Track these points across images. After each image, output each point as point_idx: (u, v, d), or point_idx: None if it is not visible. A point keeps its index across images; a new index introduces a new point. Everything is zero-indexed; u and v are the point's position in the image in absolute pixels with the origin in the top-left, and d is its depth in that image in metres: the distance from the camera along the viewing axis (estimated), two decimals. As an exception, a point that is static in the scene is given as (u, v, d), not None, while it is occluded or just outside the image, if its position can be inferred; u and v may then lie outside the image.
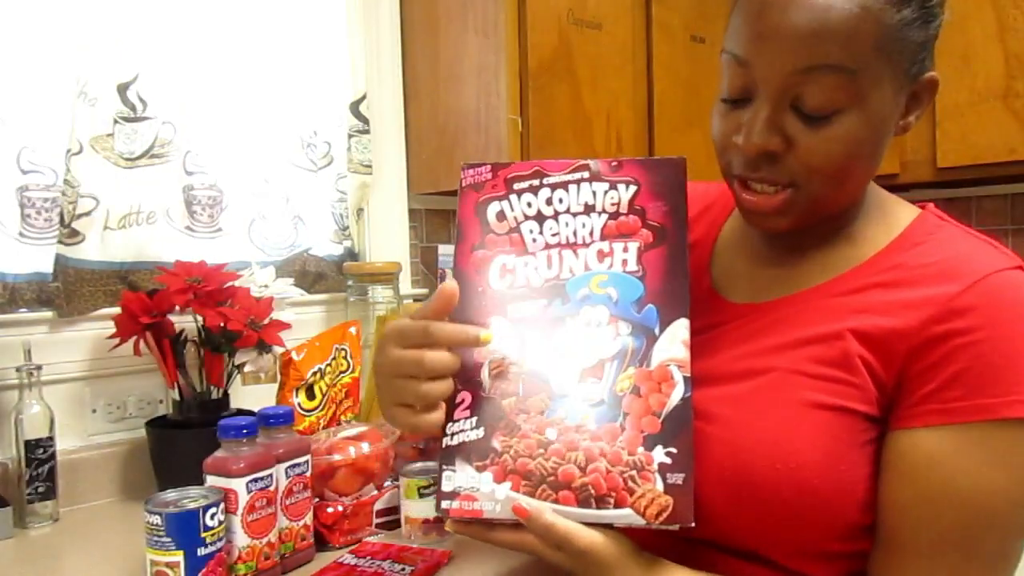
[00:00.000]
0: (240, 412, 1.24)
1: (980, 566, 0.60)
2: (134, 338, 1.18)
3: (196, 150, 1.41)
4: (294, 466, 0.94)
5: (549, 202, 0.72)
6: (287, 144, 1.56)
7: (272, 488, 0.90)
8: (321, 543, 1.00)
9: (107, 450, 1.26)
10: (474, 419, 0.67)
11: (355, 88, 1.64)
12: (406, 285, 1.71)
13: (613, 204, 0.71)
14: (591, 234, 0.71)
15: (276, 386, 1.21)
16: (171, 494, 0.84)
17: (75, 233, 1.26)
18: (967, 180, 1.78)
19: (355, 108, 1.64)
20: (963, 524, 0.59)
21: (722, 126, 0.69)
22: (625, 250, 0.70)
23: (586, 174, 0.72)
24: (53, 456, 1.13)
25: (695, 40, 1.72)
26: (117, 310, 1.20)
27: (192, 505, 0.81)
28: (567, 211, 0.71)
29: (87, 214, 1.27)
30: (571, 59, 1.56)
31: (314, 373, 1.20)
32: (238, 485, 0.86)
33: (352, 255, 1.67)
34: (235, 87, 1.47)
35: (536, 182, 0.72)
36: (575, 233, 0.71)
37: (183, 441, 1.16)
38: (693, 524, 0.62)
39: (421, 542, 1.01)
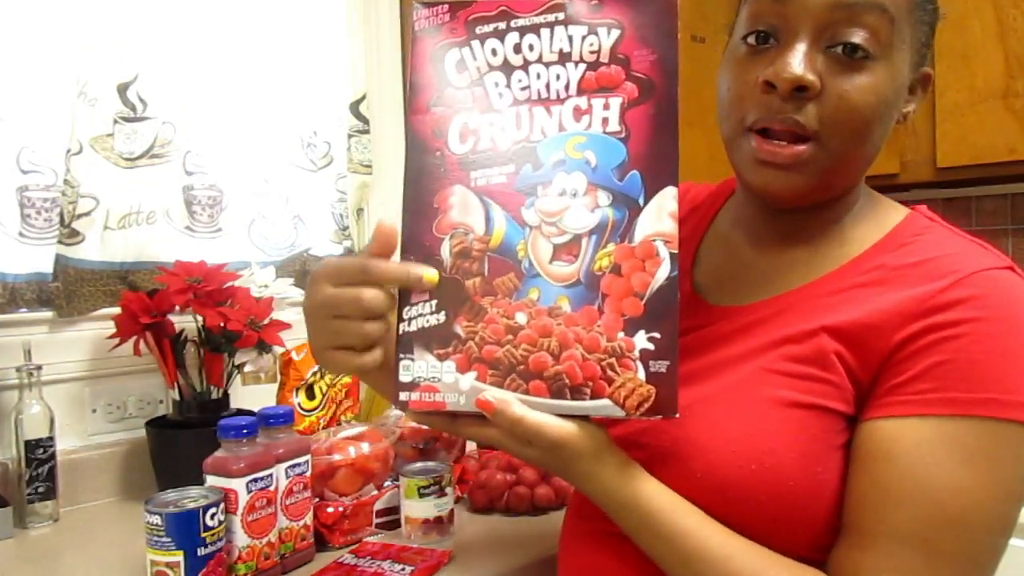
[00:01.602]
0: (240, 412, 1.24)
1: (943, 570, 0.57)
2: (134, 338, 1.18)
3: (196, 150, 1.41)
4: (294, 466, 0.94)
5: (517, 49, 0.61)
6: (287, 144, 1.56)
7: (272, 488, 0.90)
8: (321, 543, 1.00)
9: (107, 450, 1.26)
10: (434, 302, 0.60)
11: (355, 88, 1.64)
12: (406, 285, 1.70)
13: (592, 52, 0.61)
14: (566, 88, 0.61)
15: (276, 386, 1.21)
16: (171, 494, 0.84)
17: (75, 233, 1.26)
18: (967, 180, 1.77)
19: (355, 108, 1.64)
20: (922, 520, 0.57)
21: (741, 70, 0.64)
22: (606, 107, 0.61)
23: (561, 15, 0.61)
24: (53, 456, 1.13)
25: (695, 40, 1.71)
26: (117, 310, 1.20)
27: (192, 505, 0.81)
28: (538, 60, 0.61)
29: (87, 214, 1.27)
30: (571, 59, 1.56)
31: (314, 373, 1.20)
32: (238, 485, 0.86)
33: (352, 255, 1.67)
34: (235, 87, 1.47)
35: (502, 25, 0.62)
36: (548, 86, 0.61)
37: (183, 441, 1.17)
38: (677, 415, 0.57)
39: (421, 542, 1.01)
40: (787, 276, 0.69)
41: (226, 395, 1.25)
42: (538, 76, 0.61)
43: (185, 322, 1.24)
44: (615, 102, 0.60)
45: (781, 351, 0.64)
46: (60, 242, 1.25)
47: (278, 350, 1.25)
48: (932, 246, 0.64)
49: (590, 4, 0.61)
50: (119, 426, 1.30)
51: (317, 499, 1.01)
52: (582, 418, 0.59)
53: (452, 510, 1.04)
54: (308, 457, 0.97)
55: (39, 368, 1.13)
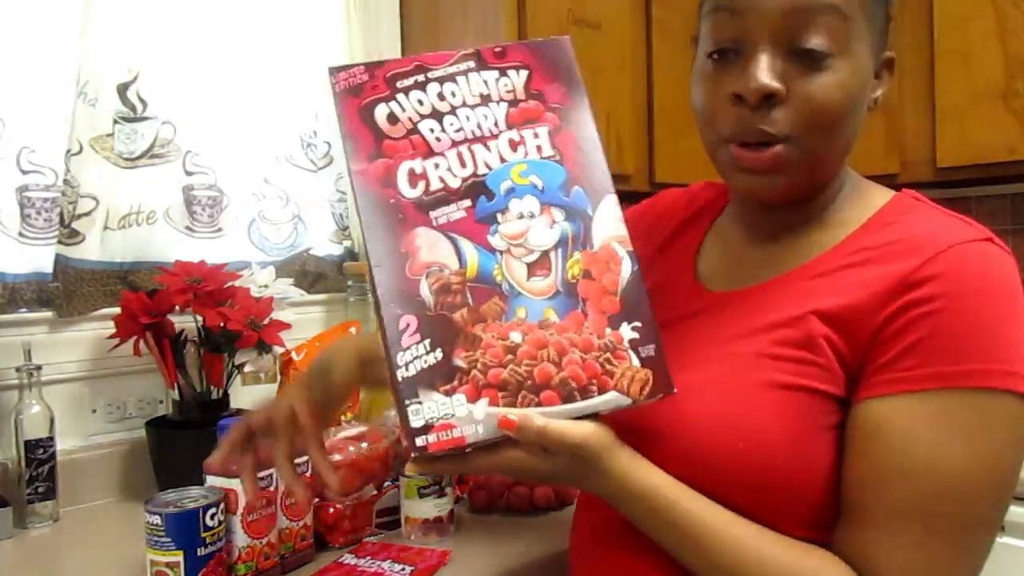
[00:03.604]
0: (240, 412, 1.24)
1: (944, 541, 0.58)
2: (134, 338, 1.18)
3: (196, 150, 1.41)
4: (294, 466, 0.94)
5: (441, 97, 0.65)
6: (287, 144, 1.56)
7: (272, 488, 0.90)
8: (321, 543, 1.00)
9: (107, 450, 1.26)
10: (426, 342, 0.61)
11: (355, 88, 1.64)
12: (406, 285, 1.70)
13: (509, 91, 0.67)
14: (496, 124, 0.66)
15: (276, 386, 1.21)
16: (171, 494, 0.84)
17: (75, 233, 1.26)
18: (967, 180, 1.77)
19: (355, 108, 1.64)
20: (919, 494, 0.58)
21: (710, 86, 0.68)
22: (536, 136, 0.66)
23: (472, 63, 0.66)
24: (53, 456, 1.13)
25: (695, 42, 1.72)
26: (117, 310, 1.20)
27: (192, 505, 0.81)
28: (463, 104, 0.66)
29: (87, 214, 1.27)
30: (571, 59, 1.56)
31: (314, 373, 1.20)
32: (238, 485, 0.86)
33: (352, 255, 1.67)
34: (235, 87, 1.47)
35: (420, 77, 0.65)
36: (479, 125, 0.65)
37: (183, 441, 1.17)
38: (675, 390, 0.62)
39: (421, 542, 1.01)
40: (779, 262, 0.71)
41: (226, 395, 1.25)
42: (467, 118, 0.65)
43: (185, 322, 1.24)
44: (543, 131, 0.66)
45: (772, 335, 0.65)
46: (60, 242, 1.25)
47: (278, 350, 1.25)
48: (913, 224, 0.65)
49: (495, 52, 0.67)
50: (119, 426, 1.30)
51: (317, 499, 1.01)
52: (591, 417, 0.61)
53: (452, 510, 1.04)
54: (308, 457, 0.97)
55: (39, 368, 1.13)
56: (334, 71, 0.65)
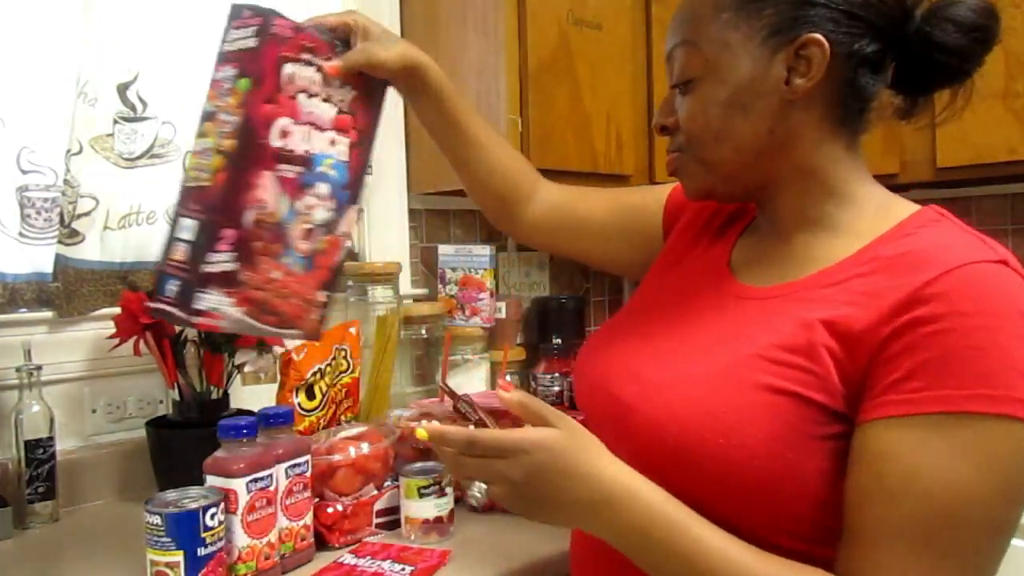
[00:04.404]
0: (240, 412, 1.25)
1: (949, 565, 0.57)
2: (134, 338, 1.18)
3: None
4: (294, 466, 0.94)
5: (312, 81, 0.82)
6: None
7: (272, 488, 0.90)
8: (321, 543, 1.00)
9: (107, 450, 1.26)
10: (234, 253, 0.78)
11: (355, 88, 1.64)
12: (406, 285, 1.70)
13: (341, 100, 0.85)
14: (328, 121, 0.84)
15: (276, 386, 1.21)
16: (171, 494, 0.84)
17: (75, 233, 1.26)
18: (967, 180, 1.77)
19: (355, 108, 1.64)
20: (926, 518, 0.57)
21: None
22: (343, 143, 0.86)
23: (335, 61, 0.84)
24: (53, 456, 1.13)
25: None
26: (117, 310, 1.20)
27: (192, 505, 0.81)
28: (317, 95, 0.83)
29: (87, 214, 1.27)
30: (571, 59, 1.56)
31: (314, 373, 1.20)
32: (238, 485, 0.86)
33: (352, 255, 1.67)
34: (235, 87, 1.47)
35: (312, 56, 0.82)
36: (320, 116, 0.83)
37: (183, 441, 1.17)
38: (317, 341, 0.99)
39: (421, 542, 1.01)
40: (797, 265, 0.71)
41: (226, 395, 1.25)
42: (318, 105, 0.83)
43: (185, 322, 1.24)
44: (346, 141, 0.87)
45: (775, 339, 0.65)
46: (60, 242, 1.25)
47: (278, 350, 1.25)
48: (929, 237, 0.64)
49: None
50: (119, 426, 1.30)
51: (317, 499, 1.01)
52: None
53: (452, 510, 1.04)
54: (308, 457, 0.97)
55: (39, 368, 1.13)
56: (275, 16, 0.78)
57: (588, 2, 1.59)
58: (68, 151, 1.24)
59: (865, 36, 0.67)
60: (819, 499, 0.63)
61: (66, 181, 1.24)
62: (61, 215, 1.24)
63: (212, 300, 0.77)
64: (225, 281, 0.78)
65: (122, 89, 1.31)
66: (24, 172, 1.25)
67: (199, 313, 0.77)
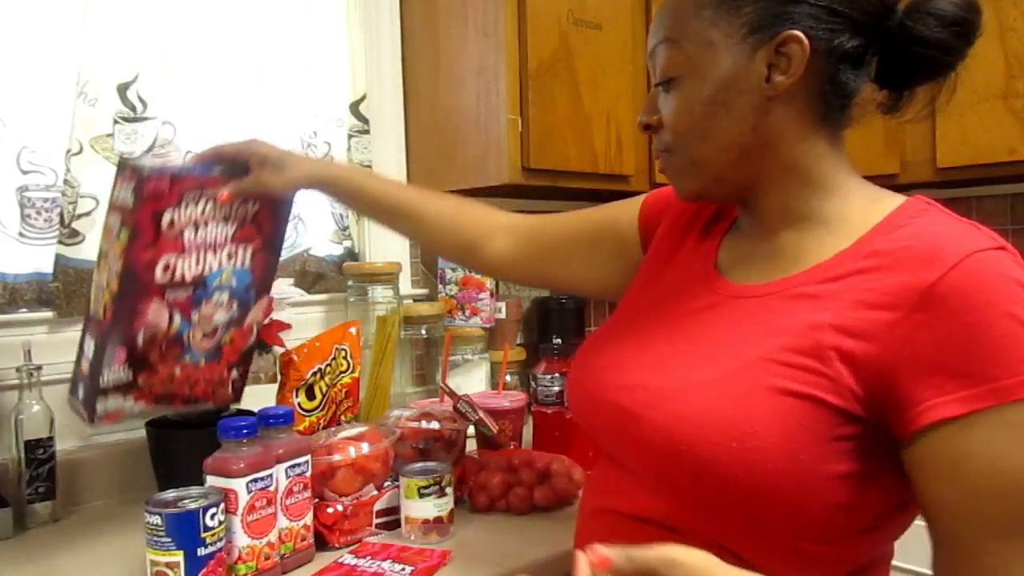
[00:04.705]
0: (240, 412, 1.24)
1: None
2: (134, 338, 1.18)
3: (196, 150, 1.40)
4: (294, 466, 0.94)
5: (203, 212, 0.92)
6: (287, 144, 1.55)
7: (272, 488, 0.90)
8: (321, 543, 1.00)
9: (107, 450, 1.26)
10: (129, 368, 0.92)
11: (355, 88, 1.64)
12: (406, 285, 1.71)
13: (243, 215, 0.97)
14: (226, 239, 0.96)
15: (276, 386, 1.21)
16: (171, 494, 0.84)
17: (75, 233, 1.26)
18: (967, 180, 1.77)
19: (355, 108, 1.64)
20: (1017, 511, 0.58)
21: None
22: (244, 252, 0.98)
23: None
24: (53, 456, 1.13)
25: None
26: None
27: (192, 505, 0.81)
28: (213, 218, 0.94)
29: (87, 214, 1.27)
30: (571, 59, 1.56)
31: (314, 373, 1.20)
32: (238, 485, 0.86)
33: (352, 255, 1.67)
34: (235, 87, 1.47)
35: (199, 194, 0.92)
36: (216, 238, 0.94)
37: (183, 441, 1.16)
38: (232, 407, 1.08)
39: (421, 542, 1.01)
40: (788, 259, 0.71)
41: (226, 395, 1.25)
42: (211, 231, 0.94)
43: (185, 322, 1.24)
44: (249, 250, 0.99)
45: (782, 341, 0.65)
46: (60, 242, 1.25)
47: (278, 350, 1.25)
48: (925, 229, 0.64)
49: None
50: (119, 426, 1.30)
51: (317, 499, 1.01)
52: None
53: (452, 510, 1.04)
54: (308, 457, 0.97)
55: (39, 368, 1.13)
56: (150, 175, 0.88)
57: (588, 2, 1.59)
58: (68, 151, 1.24)
59: (845, 32, 0.67)
60: (836, 501, 0.62)
61: (66, 181, 1.24)
62: (61, 215, 1.24)
63: (112, 403, 0.92)
64: (124, 388, 0.92)
65: (122, 89, 1.31)
66: (24, 172, 1.25)
67: (102, 416, 0.91)
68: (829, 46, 0.67)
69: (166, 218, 0.89)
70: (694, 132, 0.72)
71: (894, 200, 0.70)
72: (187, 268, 0.93)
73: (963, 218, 0.65)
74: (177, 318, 0.93)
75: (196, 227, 0.92)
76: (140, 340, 0.91)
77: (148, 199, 0.87)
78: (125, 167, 0.90)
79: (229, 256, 0.96)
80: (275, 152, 0.99)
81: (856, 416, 0.62)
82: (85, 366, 0.93)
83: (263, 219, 0.98)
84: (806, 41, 0.66)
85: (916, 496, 0.62)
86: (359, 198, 1.04)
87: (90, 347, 0.92)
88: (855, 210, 0.70)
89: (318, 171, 1.03)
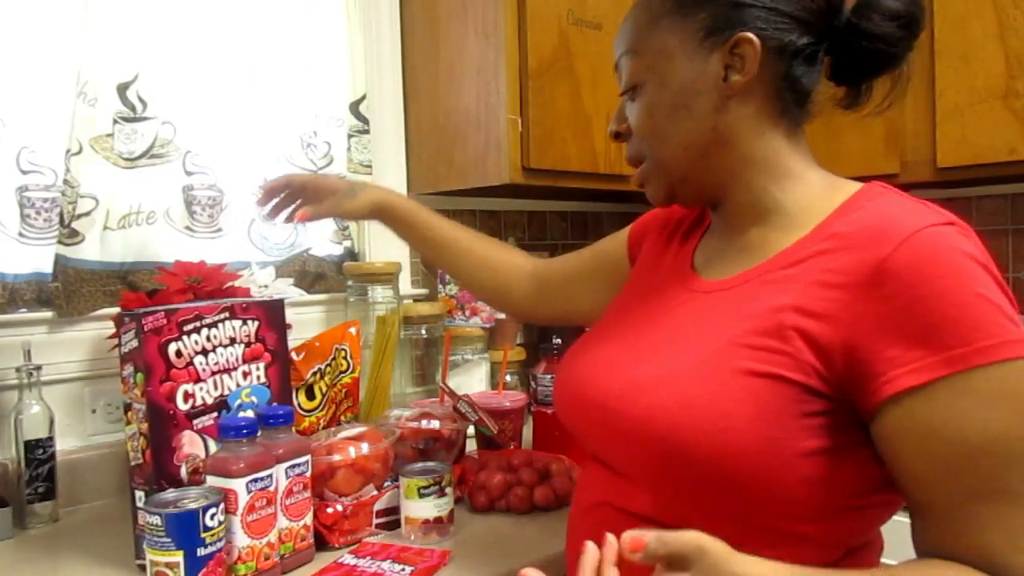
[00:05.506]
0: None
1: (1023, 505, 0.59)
2: (134, 338, 1.18)
3: (196, 150, 1.41)
4: (294, 466, 0.94)
5: (208, 339, 0.98)
6: (287, 144, 1.56)
7: (272, 488, 0.90)
8: (321, 543, 1.00)
9: (107, 450, 1.26)
10: None
11: (355, 88, 1.64)
12: (406, 285, 1.71)
13: (247, 336, 1.02)
14: (237, 360, 1.01)
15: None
16: (171, 494, 0.84)
17: (75, 233, 1.26)
18: (967, 180, 1.77)
19: (355, 108, 1.64)
20: (990, 472, 0.59)
21: None
22: (258, 368, 1.03)
23: (227, 315, 1.00)
24: (53, 456, 1.13)
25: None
26: (117, 310, 1.20)
27: (192, 505, 0.81)
28: (220, 344, 0.99)
29: (87, 214, 1.27)
30: (571, 59, 1.56)
31: (314, 373, 1.20)
32: (238, 485, 0.86)
33: (352, 255, 1.67)
34: (235, 87, 1.47)
35: (198, 323, 0.97)
36: (227, 360, 1.00)
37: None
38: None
39: (421, 542, 1.01)
40: (756, 252, 0.74)
41: (226, 395, 1.25)
42: (221, 354, 0.99)
43: (185, 322, 1.23)
44: (262, 366, 1.04)
45: (747, 325, 0.67)
46: (60, 242, 1.25)
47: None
48: (879, 209, 0.66)
49: (241, 307, 1.02)
50: (119, 426, 1.30)
51: (317, 499, 1.01)
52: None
53: (452, 510, 1.04)
54: (308, 457, 0.97)
55: (39, 368, 1.13)
56: (143, 315, 0.92)
57: (588, 2, 1.59)
58: (68, 151, 1.24)
59: (795, 31, 0.72)
60: (810, 477, 0.64)
61: (66, 181, 1.24)
62: (61, 215, 1.24)
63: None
64: None
65: (122, 89, 1.31)
66: (24, 172, 1.25)
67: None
68: (780, 45, 0.72)
69: (172, 349, 0.94)
70: (658, 134, 0.76)
71: (853, 187, 0.73)
72: (206, 394, 0.97)
73: (916, 198, 0.67)
74: (212, 444, 0.96)
75: (205, 354, 0.97)
76: (183, 473, 0.94)
77: (150, 335, 0.92)
78: (122, 320, 0.95)
79: (244, 375, 1.01)
80: (345, 182, 1.10)
81: (821, 392, 0.63)
82: (140, 517, 0.91)
83: (265, 333, 1.04)
84: (757, 41, 0.71)
85: (888, 469, 0.64)
86: (410, 223, 1.11)
87: (140, 497, 0.96)
88: (816, 199, 0.73)
89: (384, 197, 1.11)
